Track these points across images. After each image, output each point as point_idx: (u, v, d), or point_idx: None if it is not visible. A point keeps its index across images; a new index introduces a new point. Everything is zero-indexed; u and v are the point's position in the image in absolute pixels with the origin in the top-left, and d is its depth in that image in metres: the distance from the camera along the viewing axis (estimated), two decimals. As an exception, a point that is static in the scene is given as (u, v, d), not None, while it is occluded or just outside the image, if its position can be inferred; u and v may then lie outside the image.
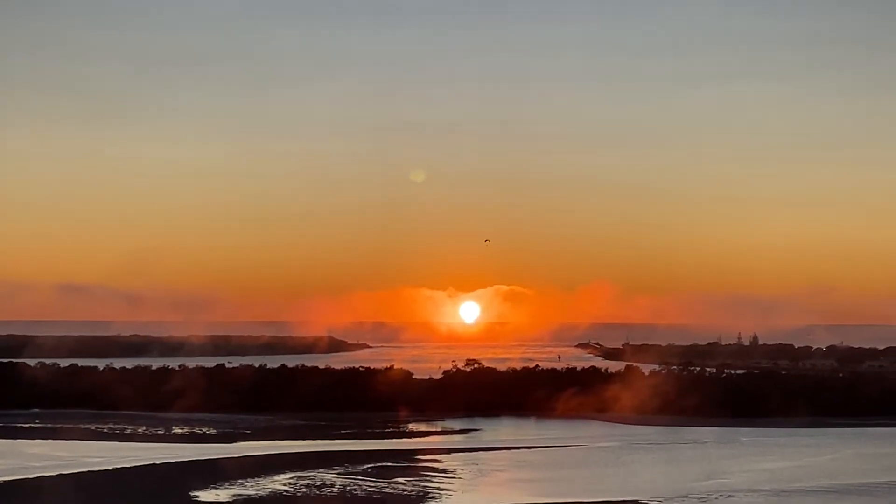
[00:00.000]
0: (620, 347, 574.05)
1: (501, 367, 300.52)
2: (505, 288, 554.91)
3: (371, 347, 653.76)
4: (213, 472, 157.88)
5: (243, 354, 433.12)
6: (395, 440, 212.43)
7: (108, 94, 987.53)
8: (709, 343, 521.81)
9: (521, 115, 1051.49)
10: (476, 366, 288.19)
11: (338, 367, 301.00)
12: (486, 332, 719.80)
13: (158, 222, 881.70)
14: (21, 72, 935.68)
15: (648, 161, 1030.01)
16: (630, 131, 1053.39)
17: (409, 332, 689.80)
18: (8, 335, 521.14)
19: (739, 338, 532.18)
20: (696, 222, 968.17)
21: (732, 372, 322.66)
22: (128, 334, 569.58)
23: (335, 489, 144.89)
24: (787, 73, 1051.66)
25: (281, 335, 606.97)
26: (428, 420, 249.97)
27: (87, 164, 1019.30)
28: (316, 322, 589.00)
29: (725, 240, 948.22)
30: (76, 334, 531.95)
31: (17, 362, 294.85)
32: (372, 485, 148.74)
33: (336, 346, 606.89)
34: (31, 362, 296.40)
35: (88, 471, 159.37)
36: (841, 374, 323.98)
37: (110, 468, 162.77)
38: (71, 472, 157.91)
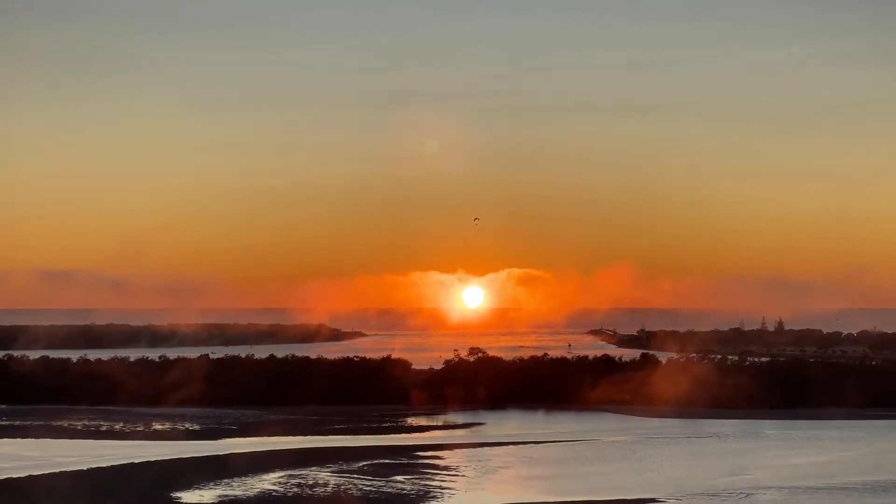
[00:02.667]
0: (636, 334, 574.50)
1: (509, 356, 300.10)
2: (518, 271, 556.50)
3: (366, 336, 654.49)
4: (197, 472, 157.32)
5: (236, 343, 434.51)
6: (392, 435, 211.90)
7: (86, 63, 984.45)
8: (730, 329, 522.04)
9: (534, 86, 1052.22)
10: (480, 355, 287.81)
11: (331, 357, 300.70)
12: (498, 318, 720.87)
13: (145, 203, 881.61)
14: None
15: (671, 133, 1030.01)
16: (652, 101, 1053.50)
17: (415, 319, 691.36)
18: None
19: (763, 323, 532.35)
20: (723, 199, 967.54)
21: (756, 360, 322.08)
22: (103, 323, 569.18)
23: (329, 489, 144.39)
24: (822, 37, 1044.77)
25: (272, 323, 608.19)
26: (428, 413, 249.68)
27: (67, 139, 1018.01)
28: (316, 309, 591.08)
29: (754, 218, 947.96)
30: (48, 324, 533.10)
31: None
32: (368, 484, 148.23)
33: (330, 334, 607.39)
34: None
35: (61, 471, 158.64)
36: (874, 362, 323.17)
37: (85, 468, 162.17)
38: (42, 472, 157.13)
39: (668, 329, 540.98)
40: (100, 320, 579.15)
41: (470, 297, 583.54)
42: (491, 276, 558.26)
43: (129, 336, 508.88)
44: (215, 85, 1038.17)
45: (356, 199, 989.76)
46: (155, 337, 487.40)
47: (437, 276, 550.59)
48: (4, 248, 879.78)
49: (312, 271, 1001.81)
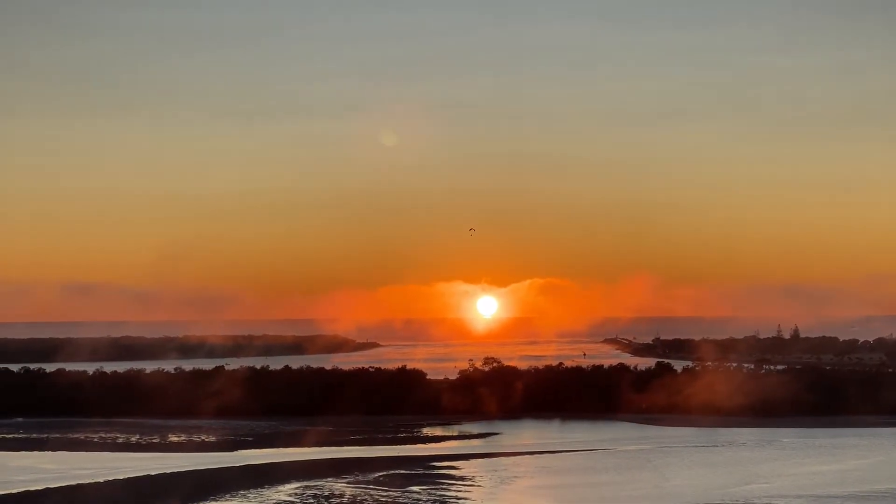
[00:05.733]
0: (651, 343, 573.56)
1: (528, 366, 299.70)
2: (540, 281, 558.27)
3: (382, 346, 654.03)
4: (213, 483, 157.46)
5: (256, 355, 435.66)
6: (408, 446, 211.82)
7: (111, 81, 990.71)
8: (745, 337, 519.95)
9: (556, 95, 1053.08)
10: (495, 365, 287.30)
11: (346, 367, 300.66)
12: (521, 327, 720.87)
13: (171, 216, 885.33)
14: (21, 62, 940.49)
15: (692, 142, 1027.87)
16: (672, 109, 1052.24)
17: (438, 329, 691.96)
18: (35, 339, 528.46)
19: (779, 331, 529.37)
20: (745, 207, 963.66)
21: (772, 368, 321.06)
22: (118, 335, 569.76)
23: (345, 499, 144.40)
24: (836, 41, 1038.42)
25: (288, 334, 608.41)
26: (443, 424, 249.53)
27: (93, 154, 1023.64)
28: (341, 319, 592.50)
29: (777, 225, 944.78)
30: (64, 336, 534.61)
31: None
32: (384, 494, 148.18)
33: (344, 345, 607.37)
34: (14, 367, 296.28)
35: (77, 484, 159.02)
36: (891, 370, 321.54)
37: (101, 480, 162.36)
38: (58, 485, 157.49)
39: (683, 337, 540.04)
40: (125, 333, 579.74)
41: (492, 307, 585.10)
42: (514, 285, 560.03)
43: (148, 348, 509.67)
44: (239, 98, 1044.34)
45: (381, 210, 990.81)
46: (176, 349, 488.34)
47: (461, 287, 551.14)
48: (32, 261, 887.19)
49: (338, 282, 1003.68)
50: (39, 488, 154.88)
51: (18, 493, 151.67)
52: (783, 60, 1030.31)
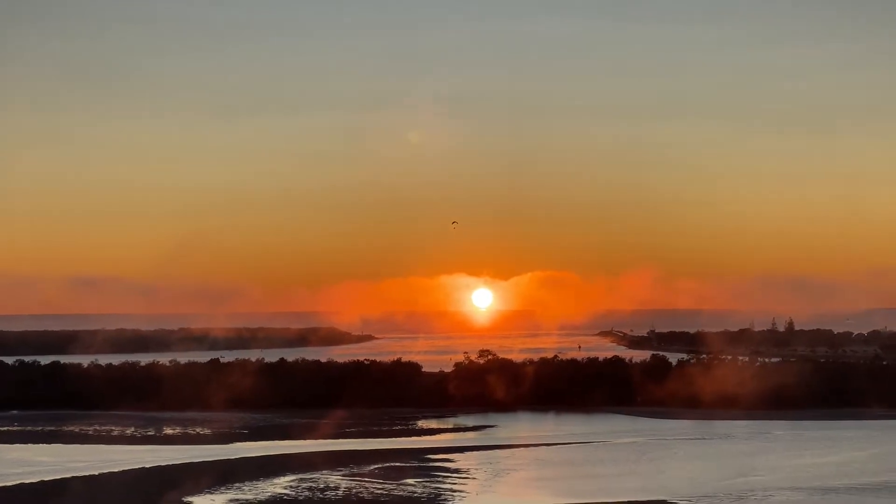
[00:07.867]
0: (646, 335, 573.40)
1: (520, 358, 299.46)
2: (542, 274, 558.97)
3: (378, 339, 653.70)
4: (208, 476, 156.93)
5: (256, 347, 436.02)
6: (403, 438, 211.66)
7: (116, 75, 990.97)
8: (740, 329, 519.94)
9: (553, 90, 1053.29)
10: (490, 357, 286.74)
11: (341, 360, 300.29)
12: (521, 319, 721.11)
13: (174, 210, 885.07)
14: (21, 55, 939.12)
15: (695, 136, 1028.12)
16: (675, 104, 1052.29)
17: (439, 322, 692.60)
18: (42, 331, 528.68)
19: (774, 324, 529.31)
20: (746, 201, 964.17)
21: (766, 360, 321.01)
22: (113, 328, 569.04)
23: (340, 492, 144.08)
24: (839, 36, 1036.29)
25: (284, 328, 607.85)
26: (439, 416, 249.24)
27: (97, 149, 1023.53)
28: (344, 312, 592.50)
29: (779, 219, 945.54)
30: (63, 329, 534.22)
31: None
32: (379, 487, 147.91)
33: (343, 338, 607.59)
34: (10, 360, 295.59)
35: (73, 476, 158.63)
36: (885, 362, 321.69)
37: (96, 473, 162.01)
38: (53, 478, 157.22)
39: (679, 330, 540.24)
40: (130, 326, 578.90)
41: (494, 300, 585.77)
42: (516, 278, 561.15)
43: (147, 341, 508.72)
44: (241, 92, 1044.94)
45: (384, 203, 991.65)
46: (175, 342, 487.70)
47: (464, 280, 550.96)
48: (37, 255, 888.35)
49: (342, 275, 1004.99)
50: (34, 481, 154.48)
51: (13, 485, 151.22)
52: (787, 55, 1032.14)
